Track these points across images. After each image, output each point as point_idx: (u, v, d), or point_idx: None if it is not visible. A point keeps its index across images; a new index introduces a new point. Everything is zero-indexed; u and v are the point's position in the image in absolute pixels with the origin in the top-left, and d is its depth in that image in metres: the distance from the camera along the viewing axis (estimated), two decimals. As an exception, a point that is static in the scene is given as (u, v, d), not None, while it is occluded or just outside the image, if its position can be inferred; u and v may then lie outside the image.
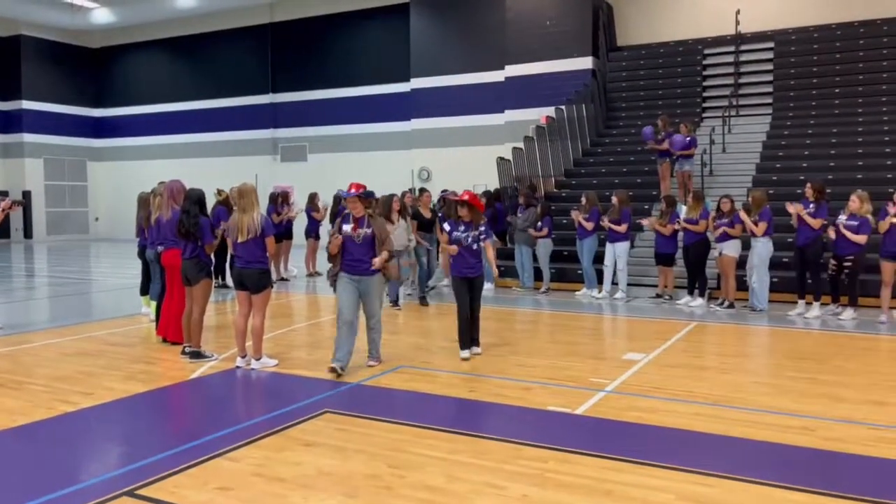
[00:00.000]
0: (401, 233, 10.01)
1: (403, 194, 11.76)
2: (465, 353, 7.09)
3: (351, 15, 23.72)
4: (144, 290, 9.60)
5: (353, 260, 6.53)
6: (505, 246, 13.82)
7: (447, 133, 21.64)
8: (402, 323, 9.58)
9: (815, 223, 9.44)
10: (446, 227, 7.23)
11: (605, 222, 11.28)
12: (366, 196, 6.66)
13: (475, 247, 7.08)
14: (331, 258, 6.63)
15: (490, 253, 7.29)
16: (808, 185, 9.74)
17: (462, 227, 7.12)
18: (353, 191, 6.62)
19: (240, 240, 6.56)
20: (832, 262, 9.46)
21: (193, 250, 7.03)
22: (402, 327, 9.23)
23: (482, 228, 7.15)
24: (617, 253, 11.28)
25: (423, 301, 10.87)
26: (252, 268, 6.60)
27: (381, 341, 6.94)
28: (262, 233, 6.60)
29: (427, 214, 11.24)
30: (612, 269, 11.43)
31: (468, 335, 7.14)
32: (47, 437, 4.94)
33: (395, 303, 10.35)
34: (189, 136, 27.35)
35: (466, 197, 7.14)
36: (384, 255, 6.60)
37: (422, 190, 11.49)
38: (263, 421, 5.17)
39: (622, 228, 11.19)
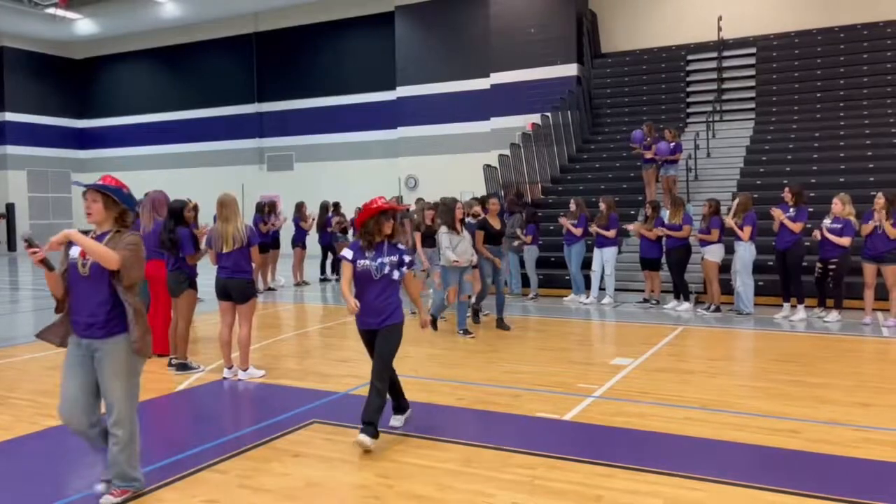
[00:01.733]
0: (466, 246, 8.75)
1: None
2: (365, 439, 4.63)
3: (336, 24, 23.74)
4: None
5: (77, 306, 3.88)
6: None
7: (433, 141, 21.67)
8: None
9: (796, 227, 9.52)
10: (347, 253, 4.85)
11: (594, 228, 11.32)
12: (117, 197, 3.88)
13: (396, 275, 4.86)
14: (58, 304, 4.01)
15: (413, 288, 5.09)
16: (787, 189, 9.83)
17: (373, 252, 4.83)
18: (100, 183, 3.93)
19: (224, 250, 6.52)
20: (817, 264, 9.55)
21: (175, 262, 7.00)
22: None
23: (402, 249, 4.95)
24: (605, 258, 11.32)
25: (500, 323, 9.31)
26: (237, 278, 6.56)
27: (134, 455, 3.95)
28: (248, 242, 6.57)
29: (496, 224, 9.65)
30: (599, 274, 11.47)
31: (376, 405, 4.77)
32: (31, 452, 4.88)
33: (466, 331, 8.79)
34: (174, 147, 27.24)
35: (382, 202, 4.88)
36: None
37: (490, 195, 9.95)
38: (251, 432, 5.14)
39: (611, 234, 11.24)
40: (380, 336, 4.83)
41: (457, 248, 8.72)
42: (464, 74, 21.05)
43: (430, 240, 10.24)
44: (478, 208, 9.93)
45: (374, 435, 4.68)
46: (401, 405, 5.21)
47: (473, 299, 9.47)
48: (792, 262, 9.64)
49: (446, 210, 8.85)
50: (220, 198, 6.73)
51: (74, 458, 4.85)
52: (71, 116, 29.64)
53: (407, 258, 4.90)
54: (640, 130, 14.11)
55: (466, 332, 8.78)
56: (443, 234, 8.81)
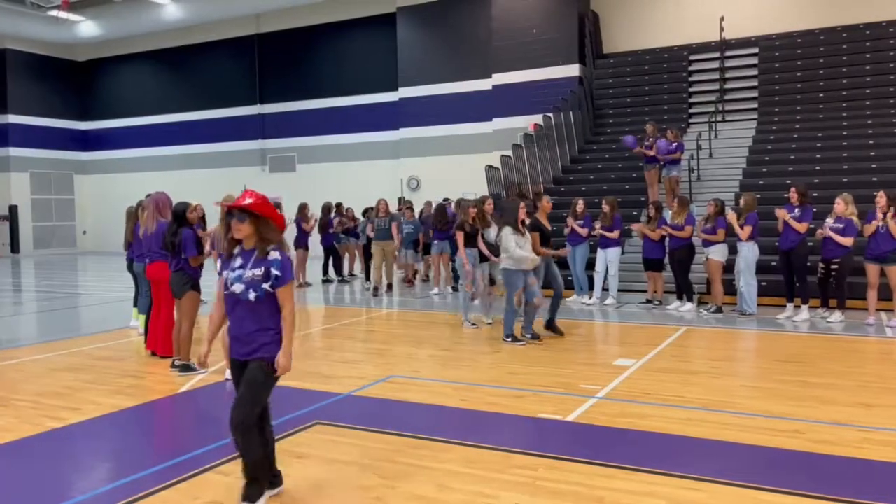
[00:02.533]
0: (530, 248, 8.26)
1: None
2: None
3: (338, 25, 23.77)
4: (137, 302, 9.58)
5: None
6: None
7: (435, 142, 21.68)
8: (393, 333, 9.56)
9: (801, 227, 9.51)
10: (219, 262, 4.03)
11: (597, 229, 11.32)
12: None
13: (252, 296, 3.64)
14: None
15: (287, 312, 3.74)
16: (792, 189, 9.81)
17: (238, 262, 3.72)
18: None
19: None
20: (820, 265, 9.53)
21: (178, 263, 7.02)
22: (392, 337, 9.20)
23: (273, 260, 3.65)
24: (608, 259, 11.31)
25: (551, 326, 8.77)
26: (240, 279, 6.57)
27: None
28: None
29: (547, 225, 9.17)
30: (603, 274, 11.46)
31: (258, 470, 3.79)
32: (35, 453, 4.89)
33: (534, 336, 8.36)
34: (177, 148, 27.30)
35: (249, 199, 3.63)
36: None
37: (542, 193, 9.19)
38: (253, 433, 5.13)
39: (615, 234, 11.23)
40: (245, 373, 3.76)
41: (521, 252, 8.18)
42: (466, 75, 21.06)
43: (474, 239, 9.52)
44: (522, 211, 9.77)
45: (271, 486, 3.93)
46: (261, 483, 3.80)
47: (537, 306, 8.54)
48: (796, 262, 9.62)
49: (511, 210, 8.39)
50: (221, 200, 6.75)
51: (77, 460, 4.87)
52: (73, 118, 29.70)
53: (276, 272, 3.64)
54: (630, 136, 14.10)
55: (515, 338, 8.36)
56: (509, 235, 8.22)
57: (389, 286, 13.69)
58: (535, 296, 8.28)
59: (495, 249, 9.34)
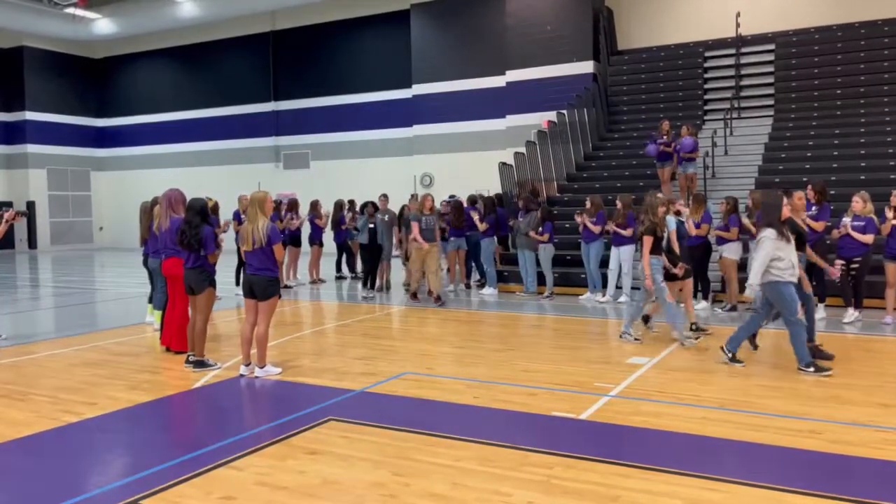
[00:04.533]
0: (794, 258, 6.65)
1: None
2: None
3: (352, 22, 23.81)
4: (152, 299, 9.64)
5: None
6: (508, 251, 13.84)
7: (449, 139, 21.67)
8: (406, 329, 9.57)
9: (819, 226, 9.40)
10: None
11: (611, 226, 11.27)
12: None
13: None
14: None
15: None
16: (809, 186, 9.71)
17: None
18: None
19: (245, 249, 6.62)
20: (840, 264, 9.40)
21: (196, 260, 7.05)
22: (405, 334, 9.21)
23: None
24: (622, 257, 11.25)
25: (818, 352, 7.07)
26: (261, 275, 6.64)
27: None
28: (269, 241, 6.61)
29: (803, 226, 7.62)
30: (616, 272, 11.40)
31: None
32: (52, 447, 4.93)
33: (817, 367, 6.60)
34: (192, 145, 27.46)
35: None
36: None
37: (786, 189, 7.71)
38: (267, 429, 5.16)
39: (628, 232, 11.16)
40: None
41: (785, 260, 6.56)
42: (480, 72, 21.04)
43: (660, 245, 8.12)
44: (681, 205, 9.01)
45: None
46: None
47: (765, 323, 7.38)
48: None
49: (773, 207, 6.64)
50: (251, 196, 6.83)
51: (94, 455, 4.90)
52: (90, 115, 29.95)
53: None
54: (653, 145, 14.02)
55: (819, 368, 6.58)
56: (768, 241, 6.55)
57: (438, 297, 11.58)
58: (795, 313, 6.69)
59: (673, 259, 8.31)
